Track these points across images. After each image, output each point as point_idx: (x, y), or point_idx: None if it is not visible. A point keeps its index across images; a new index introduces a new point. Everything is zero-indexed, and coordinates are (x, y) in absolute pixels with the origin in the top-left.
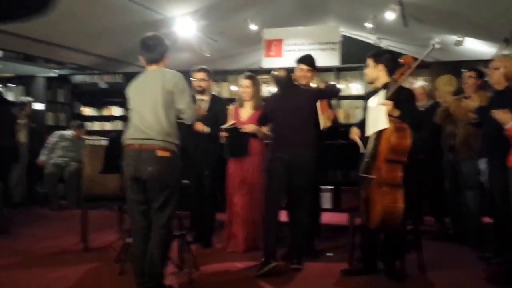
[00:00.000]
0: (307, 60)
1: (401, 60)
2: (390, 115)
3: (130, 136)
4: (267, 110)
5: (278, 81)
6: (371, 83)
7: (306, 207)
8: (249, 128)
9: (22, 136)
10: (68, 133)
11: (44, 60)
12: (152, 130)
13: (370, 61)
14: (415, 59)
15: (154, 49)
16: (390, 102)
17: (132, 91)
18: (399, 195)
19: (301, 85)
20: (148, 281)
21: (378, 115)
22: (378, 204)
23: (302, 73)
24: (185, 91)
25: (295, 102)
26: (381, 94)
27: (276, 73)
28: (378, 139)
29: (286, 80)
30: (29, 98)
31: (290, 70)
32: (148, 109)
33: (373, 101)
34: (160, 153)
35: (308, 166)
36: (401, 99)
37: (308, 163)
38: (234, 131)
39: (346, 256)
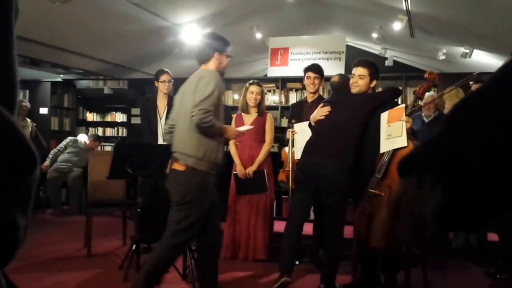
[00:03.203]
0: (314, 68)
1: (425, 76)
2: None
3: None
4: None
5: (332, 86)
6: (355, 92)
7: (336, 224)
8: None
9: None
10: (81, 140)
11: (50, 64)
12: (177, 141)
13: (366, 73)
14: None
15: (203, 49)
16: (410, 119)
17: (176, 97)
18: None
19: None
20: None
21: (393, 131)
22: (385, 224)
23: (309, 81)
24: (201, 90)
25: (344, 111)
26: (400, 108)
27: (333, 78)
28: (392, 156)
29: (339, 86)
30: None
31: (346, 77)
32: (180, 117)
33: (384, 115)
34: (174, 166)
35: (334, 178)
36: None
37: (333, 175)
38: (261, 173)
39: (349, 268)
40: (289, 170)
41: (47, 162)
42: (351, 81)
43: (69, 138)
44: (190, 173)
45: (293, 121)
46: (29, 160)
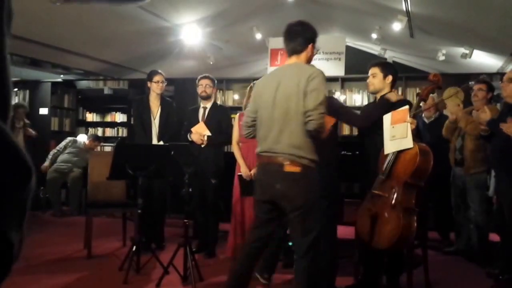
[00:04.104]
0: None
1: (430, 77)
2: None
3: (259, 149)
4: None
5: None
6: (374, 93)
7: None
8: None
9: (20, 141)
10: (81, 141)
11: (50, 65)
12: (284, 143)
13: (377, 71)
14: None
15: (295, 37)
16: (415, 121)
17: (260, 89)
18: (413, 220)
19: None
20: None
21: (398, 133)
22: (390, 226)
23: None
24: (317, 91)
25: None
26: (403, 110)
27: None
28: (396, 158)
29: None
30: (24, 105)
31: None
32: (283, 115)
33: (387, 117)
34: (287, 168)
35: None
36: None
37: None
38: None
39: (349, 270)
40: None
41: (46, 163)
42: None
43: (69, 138)
44: (306, 172)
45: None
46: (23, 172)
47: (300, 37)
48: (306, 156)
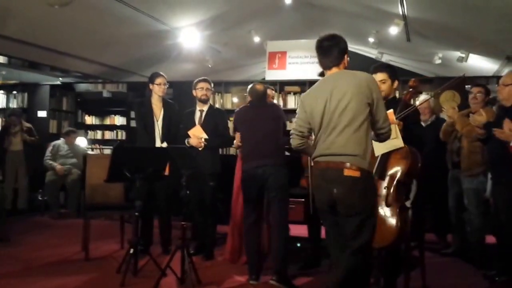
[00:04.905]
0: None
1: (409, 83)
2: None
3: (316, 153)
4: (236, 124)
5: (254, 93)
6: (384, 99)
7: (281, 218)
8: None
9: (16, 145)
10: (62, 141)
11: (49, 67)
12: (341, 145)
13: (386, 77)
14: (420, 81)
15: (331, 51)
16: (401, 123)
17: (311, 100)
18: (407, 216)
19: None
20: None
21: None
22: (388, 224)
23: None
24: (381, 100)
25: (262, 119)
26: (388, 113)
27: (256, 85)
28: (387, 158)
29: (261, 94)
30: (18, 112)
31: (267, 87)
32: (337, 119)
33: None
34: (347, 172)
35: (276, 176)
36: (409, 118)
37: (275, 174)
38: None
39: None
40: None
41: (55, 163)
42: None
43: (51, 144)
44: (365, 177)
45: None
46: None
47: (336, 51)
48: (365, 160)
